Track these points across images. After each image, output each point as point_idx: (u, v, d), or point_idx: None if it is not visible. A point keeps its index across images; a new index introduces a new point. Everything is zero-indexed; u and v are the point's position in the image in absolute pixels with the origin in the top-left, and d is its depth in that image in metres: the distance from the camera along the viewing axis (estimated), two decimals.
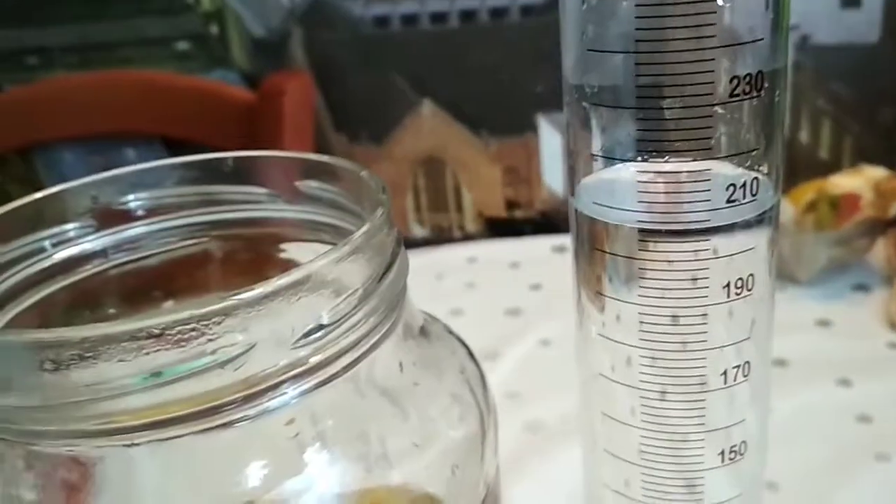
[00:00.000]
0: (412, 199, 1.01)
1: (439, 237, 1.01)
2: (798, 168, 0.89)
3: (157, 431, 0.16)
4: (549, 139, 0.95)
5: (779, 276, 0.52)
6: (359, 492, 0.18)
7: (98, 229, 0.24)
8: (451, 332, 0.24)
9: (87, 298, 0.24)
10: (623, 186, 0.18)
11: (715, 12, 0.16)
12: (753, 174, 0.17)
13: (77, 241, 0.23)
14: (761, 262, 0.18)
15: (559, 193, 0.98)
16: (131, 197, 0.24)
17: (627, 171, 0.18)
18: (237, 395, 0.16)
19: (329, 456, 0.18)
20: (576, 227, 0.20)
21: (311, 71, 0.95)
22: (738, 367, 0.19)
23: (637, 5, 0.16)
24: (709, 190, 0.17)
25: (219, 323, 0.16)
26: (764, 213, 0.18)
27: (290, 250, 0.25)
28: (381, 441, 0.19)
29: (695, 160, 0.17)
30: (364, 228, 0.18)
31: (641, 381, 0.19)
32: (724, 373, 0.19)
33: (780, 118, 0.18)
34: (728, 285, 0.18)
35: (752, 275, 0.18)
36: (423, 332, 0.22)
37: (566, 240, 0.21)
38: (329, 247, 0.19)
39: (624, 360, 0.19)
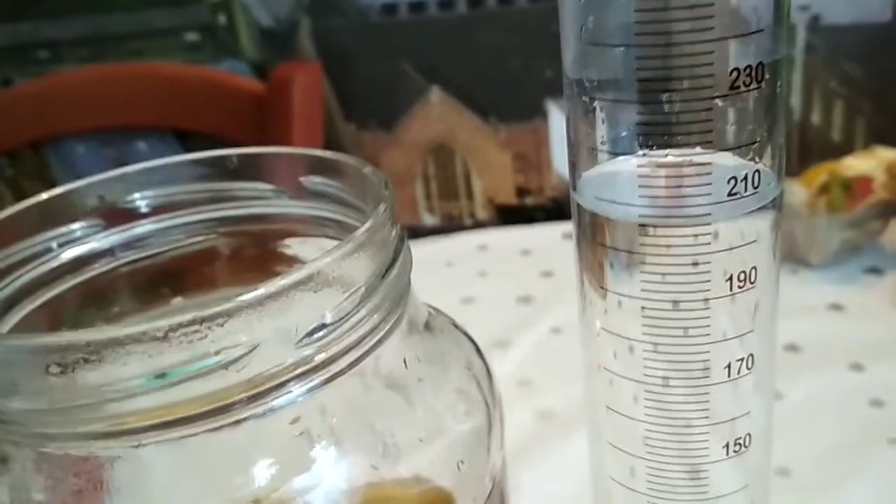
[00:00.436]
0: (422, 187, 1.01)
1: (450, 225, 1.01)
2: (810, 150, 0.88)
3: (164, 432, 0.16)
4: (559, 125, 0.94)
5: (791, 260, 0.53)
6: (366, 486, 0.18)
7: (105, 228, 0.24)
8: (456, 325, 0.24)
9: (96, 297, 0.24)
10: (624, 180, 0.18)
11: (714, 4, 0.16)
12: (755, 166, 0.17)
13: (85, 241, 0.24)
14: (764, 253, 0.18)
15: None
16: (137, 195, 0.24)
17: (628, 165, 0.18)
18: (243, 395, 0.16)
19: (336, 452, 0.18)
20: (577, 220, 0.20)
21: (320, 60, 0.95)
22: (741, 359, 0.19)
23: None
24: (710, 183, 0.17)
25: (222, 324, 0.16)
26: (766, 205, 0.18)
27: (296, 246, 0.25)
28: (387, 436, 0.19)
29: (696, 153, 0.17)
30: (366, 225, 0.18)
31: (645, 370, 0.19)
32: (728, 365, 0.19)
33: (782, 109, 0.18)
34: (731, 278, 0.18)
35: (754, 267, 0.18)
36: (428, 326, 0.22)
37: None
38: (334, 242, 0.19)
39: (626, 349, 0.19)
